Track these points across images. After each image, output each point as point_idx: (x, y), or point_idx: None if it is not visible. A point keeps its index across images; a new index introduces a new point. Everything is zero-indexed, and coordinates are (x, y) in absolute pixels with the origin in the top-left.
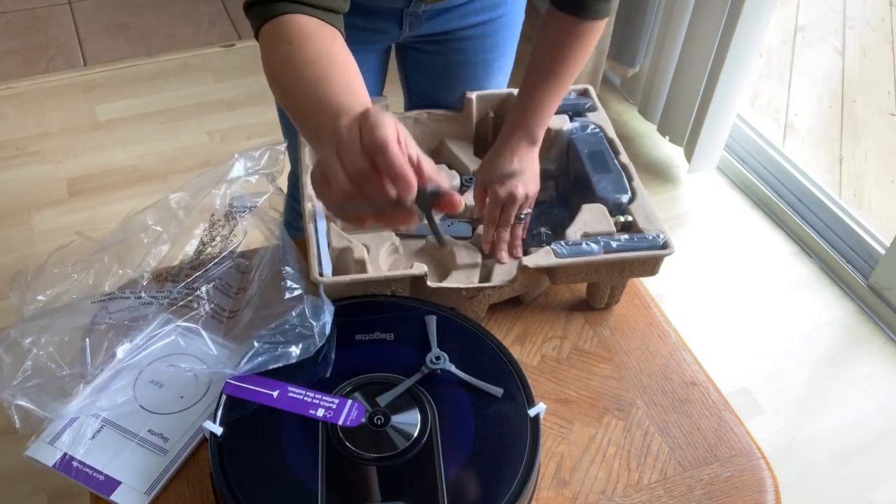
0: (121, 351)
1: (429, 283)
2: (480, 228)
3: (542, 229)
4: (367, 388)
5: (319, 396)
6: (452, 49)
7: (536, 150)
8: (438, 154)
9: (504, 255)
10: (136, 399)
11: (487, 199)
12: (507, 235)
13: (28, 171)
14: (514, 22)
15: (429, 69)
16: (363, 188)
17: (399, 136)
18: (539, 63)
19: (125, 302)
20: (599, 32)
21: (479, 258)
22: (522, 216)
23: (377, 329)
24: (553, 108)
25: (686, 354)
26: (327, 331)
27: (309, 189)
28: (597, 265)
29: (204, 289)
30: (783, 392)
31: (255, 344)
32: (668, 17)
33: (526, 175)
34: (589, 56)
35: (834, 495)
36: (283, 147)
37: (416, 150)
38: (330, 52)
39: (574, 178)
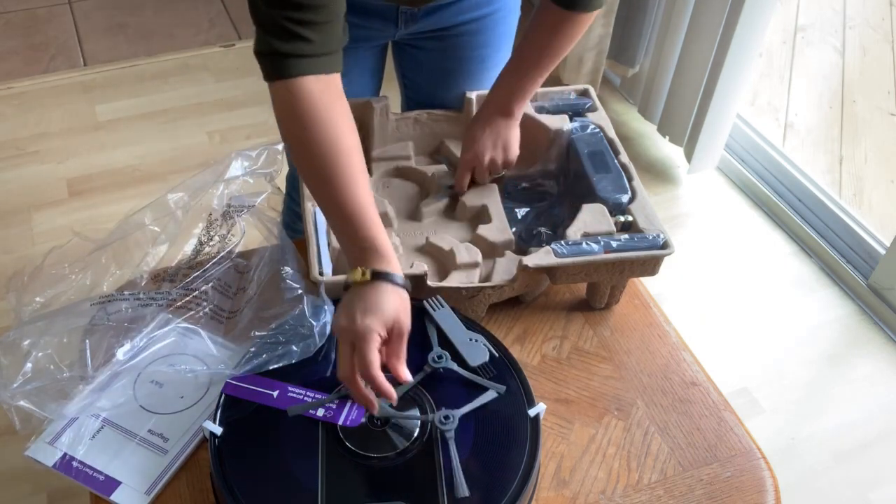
0: (120, 352)
1: (429, 282)
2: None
3: (542, 229)
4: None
5: (319, 396)
6: (448, 45)
7: (514, 122)
8: (438, 154)
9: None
10: (136, 399)
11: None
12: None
13: (28, 171)
14: (508, 17)
15: (425, 66)
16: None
17: (397, 327)
18: (528, 49)
19: (123, 303)
20: (589, 23)
21: (479, 258)
22: (498, 175)
23: None
24: (535, 89)
25: (686, 354)
26: (327, 331)
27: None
28: (597, 265)
29: (203, 289)
30: (783, 392)
31: (256, 344)
32: (668, 17)
33: (499, 143)
34: (574, 44)
35: (834, 495)
36: (281, 147)
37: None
38: (337, 140)
39: (574, 178)
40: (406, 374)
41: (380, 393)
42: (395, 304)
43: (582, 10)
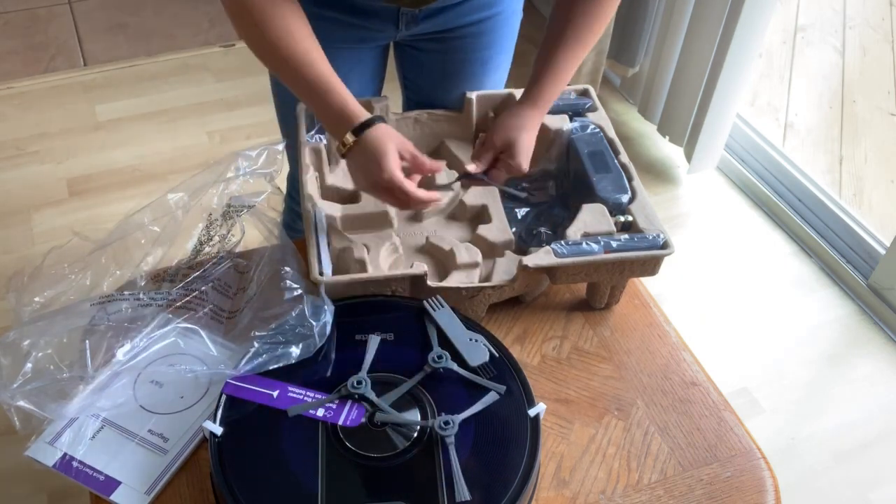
0: (120, 352)
1: (429, 282)
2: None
3: (542, 229)
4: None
5: (319, 396)
6: (450, 47)
7: (541, 120)
8: (438, 154)
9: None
10: (136, 399)
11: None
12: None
13: (28, 171)
14: (510, 20)
15: (426, 67)
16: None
17: (402, 152)
18: (557, 35)
19: (123, 303)
20: (616, 5)
21: (479, 258)
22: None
23: (377, 329)
24: (568, 77)
25: (686, 354)
26: (327, 331)
27: (308, 189)
28: (597, 265)
29: (203, 289)
30: (783, 392)
31: (255, 344)
32: (668, 17)
33: (531, 154)
34: (604, 29)
35: (834, 495)
36: (281, 147)
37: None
38: (288, 27)
39: (574, 178)
40: (437, 164)
41: (430, 202)
42: (390, 139)
43: None
